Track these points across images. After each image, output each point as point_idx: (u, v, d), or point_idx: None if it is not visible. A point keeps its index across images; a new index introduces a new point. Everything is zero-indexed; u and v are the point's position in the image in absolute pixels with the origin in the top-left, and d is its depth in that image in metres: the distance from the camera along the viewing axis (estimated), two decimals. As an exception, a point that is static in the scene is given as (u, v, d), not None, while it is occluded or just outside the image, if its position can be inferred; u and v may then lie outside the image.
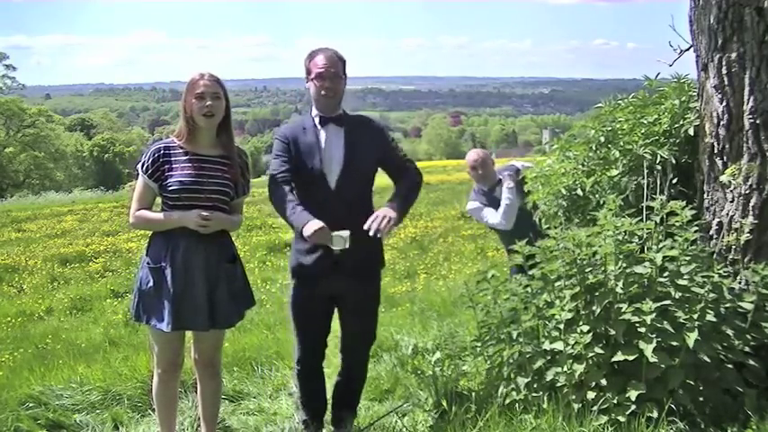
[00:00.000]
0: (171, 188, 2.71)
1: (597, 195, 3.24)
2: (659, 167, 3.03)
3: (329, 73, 2.85)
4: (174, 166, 2.72)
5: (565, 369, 2.66)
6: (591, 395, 2.58)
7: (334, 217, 2.72)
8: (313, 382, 3.14)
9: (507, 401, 2.83)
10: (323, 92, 2.85)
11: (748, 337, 2.58)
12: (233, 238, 2.96)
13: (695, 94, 3.09)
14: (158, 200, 2.85)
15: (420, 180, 2.99)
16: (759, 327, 2.60)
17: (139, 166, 2.77)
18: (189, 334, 2.94)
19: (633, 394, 2.48)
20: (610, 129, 3.29)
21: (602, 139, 3.28)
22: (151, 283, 2.73)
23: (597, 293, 2.71)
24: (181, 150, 2.75)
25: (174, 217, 2.71)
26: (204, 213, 2.67)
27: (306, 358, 3.09)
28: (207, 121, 2.71)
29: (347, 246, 2.68)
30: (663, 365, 2.49)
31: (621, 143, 3.21)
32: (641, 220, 2.80)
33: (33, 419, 3.45)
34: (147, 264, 2.76)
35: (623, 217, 2.77)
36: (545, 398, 2.67)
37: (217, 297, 2.77)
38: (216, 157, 2.78)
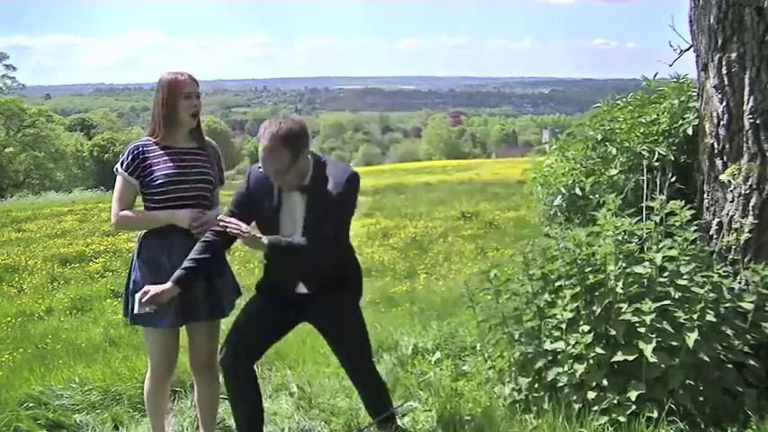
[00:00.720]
0: (156, 182, 2.72)
1: (596, 195, 3.24)
2: (657, 165, 3.03)
3: (270, 170, 2.52)
4: (154, 161, 2.74)
5: (565, 369, 2.66)
6: (591, 395, 2.58)
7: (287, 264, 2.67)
8: (237, 381, 2.76)
9: (508, 401, 2.83)
10: (271, 179, 2.57)
11: (748, 337, 2.58)
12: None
13: (694, 93, 3.09)
14: (138, 200, 2.84)
15: (308, 249, 2.56)
16: (759, 327, 2.60)
17: (118, 165, 2.78)
18: (184, 335, 2.95)
19: (633, 394, 2.48)
20: (608, 128, 3.29)
21: (599, 137, 3.29)
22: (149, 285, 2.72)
23: (597, 293, 2.71)
24: (157, 147, 2.78)
25: (162, 216, 2.72)
26: (198, 214, 2.69)
27: (229, 348, 2.74)
28: (192, 119, 2.78)
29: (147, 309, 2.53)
30: (663, 365, 2.49)
31: (618, 140, 3.22)
32: (641, 219, 2.79)
33: (33, 419, 3.45)
34: (143, 265, 2.76)
35: (623, 217, 2.77)
36: (546, 398, 2.67)
37: (215, 289, 2.80)
38: (193, 149, 2.82)
